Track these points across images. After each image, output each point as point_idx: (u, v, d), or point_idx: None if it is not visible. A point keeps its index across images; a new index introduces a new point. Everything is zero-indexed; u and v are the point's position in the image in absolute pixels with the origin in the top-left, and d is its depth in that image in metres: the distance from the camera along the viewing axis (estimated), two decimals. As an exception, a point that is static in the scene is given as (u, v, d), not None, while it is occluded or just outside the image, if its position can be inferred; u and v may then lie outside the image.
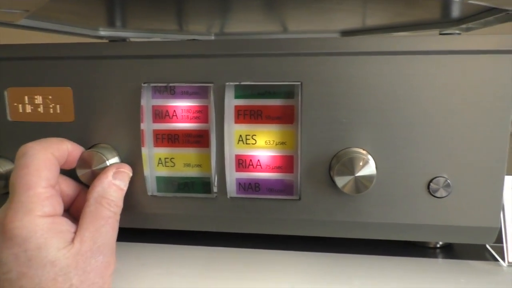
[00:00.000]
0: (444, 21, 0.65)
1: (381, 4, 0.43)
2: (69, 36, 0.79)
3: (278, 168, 0.34)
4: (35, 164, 0.28)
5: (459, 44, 0.31)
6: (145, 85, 0.34)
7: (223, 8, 0.48)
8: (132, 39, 0.88)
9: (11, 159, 0.37)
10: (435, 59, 0.31)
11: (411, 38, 0.31)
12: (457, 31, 0.80)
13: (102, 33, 0.74)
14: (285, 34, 0.86)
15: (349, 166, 0.31)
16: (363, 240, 0.35)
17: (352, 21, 0.68)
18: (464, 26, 0.65)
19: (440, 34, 0.79)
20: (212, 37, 0.87)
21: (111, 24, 0.69)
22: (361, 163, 0.31)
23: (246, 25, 0.72)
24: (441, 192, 0.32)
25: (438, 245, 0.37)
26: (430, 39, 0.31)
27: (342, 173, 0.31)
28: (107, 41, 0.84)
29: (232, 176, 0.35)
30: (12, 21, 0.42)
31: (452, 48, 0.31)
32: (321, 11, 0.54)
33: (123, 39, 0.84)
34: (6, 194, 0.33)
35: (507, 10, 0.45)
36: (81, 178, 0.34)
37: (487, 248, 0.37)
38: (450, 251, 0.37)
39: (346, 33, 0.84)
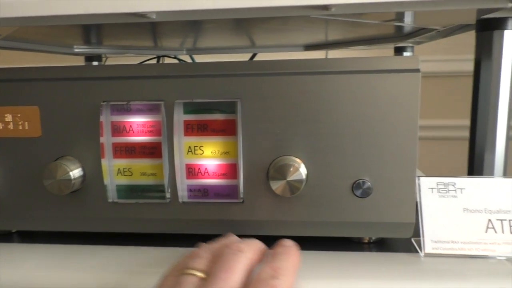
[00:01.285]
0: (397, 36, 0.71)
1: (339, 24, 0.48)
2: (45, 54, 0.83)
3: (223, 175, 0.39)
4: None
5: (373, 64, 0.36)
6: (104, 103, 0.38)
7: (195, 28, 0.52)
8: (108, 56, 0.93)
9: (-16, 171, 0.40)
10: (353, 77, 0.36)
11: (334, 60, 0.36)
12: (410, 44, 0.87)
13: (77, 50, 0.78)
14: (253, 48, 0.92)
15: (282, 172, 0.36)
16: (306, 237, 0.40)
17: (315, 37, 0.73)
18: (413, 40, 0.71)
19: (395, 47, 0.85)
20: (184, 52, 0.92)
21: (86, 41, 0.73)
22: (291, 169, 0.36)
23: (217, 41, 0.77)
24: (363, 193, 0.37)
25: (371, 240, 0.42)
26: (348, 60, 0.36)
27: (275, 178, 0.36)
28: (83, 57, 0.88)
29: (184, 183, 0.39)
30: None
31: (367, 68, 0.36)
32: (286, 29, 0.59)
33: (99, 56, 0.88)
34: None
35: (434, 29, 0.51)
36: (47, 188, 0.38)
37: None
38: (383, 244, 0.42)
39: (309, 46, 0.89)
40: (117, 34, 0.59)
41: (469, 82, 0.44)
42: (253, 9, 0.33)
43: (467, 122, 0.44)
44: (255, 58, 0.90)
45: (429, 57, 1.02)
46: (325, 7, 0.34)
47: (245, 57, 0.91)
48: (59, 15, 0.34)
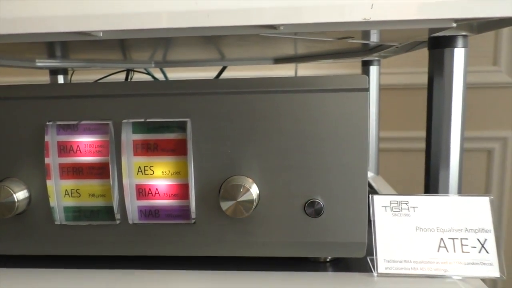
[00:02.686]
0: (361, 51, 0.71)
1: (302, 40, 0.48)
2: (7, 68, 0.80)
3: (174, 196, 0.38)
4: None
5: (322, 83, 0.36)
6: (50, 123, 0.37)
7: (163, 41, 0.51)
8: (74, 69, 0.91)
9: None
10: (303, 97, 0.36)
11: (283, 79, 0.36)
12: (377, 58, 0.87)
13: (40, 64, 0.76)
14: (223, 61, 0.91)
15: (232, 193, 0.35)
16: (262, 257, 0.39)
17: (283, 51, 0.73)
18: (378, 54, 0.72)
19: (362, 60, 0.85)
20: (153, 65, 0.91)
21: (49, 55, 0.71)
22: (242, 190, 0.35)
23: (186, 54, 0.76)
24: (315, 212, 0.36)
25: (327, 259, 0.41)
26: (297, 79, 0.36)
27: (225, 199, 0.35)
28: (47, 70, 0.86)
29: (134, 204, 0.38)
30: None
31: (316, 87, 0.36)
32: (253, 43, 0.58)
33: (64, 69, 0.86)
34: None
35: (393, 45, 0.52)
36: (-12, 210, 0.36)
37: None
38: (339, 264, 0.41)
39: (278, 60, 0.89)
40: (82, 48, 0.58)
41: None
42: (199, 29, 0.33)
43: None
44: (225, 71, 0.90)
45: (396, 69, 1.03)
46: (273, 27, 0.33)
47: (215, 69, 0.91)
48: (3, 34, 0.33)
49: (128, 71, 0.91)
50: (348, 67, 1.01)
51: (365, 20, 0.30)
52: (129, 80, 0.91)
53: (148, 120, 0.37)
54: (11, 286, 0.37)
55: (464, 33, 0.40)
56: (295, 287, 0.36)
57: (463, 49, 0.41)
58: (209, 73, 0.95)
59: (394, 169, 1.04)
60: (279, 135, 0.36)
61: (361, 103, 0.35)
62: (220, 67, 0.90)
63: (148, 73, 0.92)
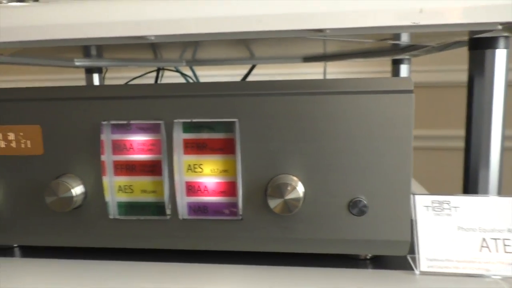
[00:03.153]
0: (393, 50, 0.72)
1: (341, 41, 0.49)
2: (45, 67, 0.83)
3: (222, 193, 0.39)
4: None
5: (368, 85, 0.37)
6: (105, 122, 0.39)
7: (194, 41, 0.53)
8: (109, 68, 0.94)
9: (-13, 189, 0.41)
10: (349, 97, 0.37)
11: (330, 81, 0.37)
12: (407, 56, 0.88)
13: (78, 63, 0.79)
14: (252, 60, 0.93)
15: (279, 191, 0.36)
16: (305, 254, 0.40)
17: (313, 50, 0.74)
18: (410, 53, 0.72)
19: (393, 59, 0.86)
20: (184, 64, 0.93)
21: (86, 55, 0.74)
22: (289, 188, 0.36)
23: (216, 53, 0.78)
24: (359, 211, 0.37)
25: (368, 257, 0.43)
26: (344, 81, 0.37)
27: (273, 197, 0.37)
28: (83, 70, 0.89)
29: (184, 200, 0.40)
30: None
31: (362, 89, 0.37)
32: (285, 43, 0.59)
33: (99, 68, 0.89)
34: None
35: (428, 45, 0.52)
36: (49, 205, 0.39)
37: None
38: (379, 261, 0.42)
39: (308, 58, 0.90)
40: (117, 48, 0.60)
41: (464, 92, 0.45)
42: (251, 33, 0.34)
43: (462, 132, 0.45)
44: (254, 70, 0.91)
45: (426, 67, 1.03)
46: (320, 30, 0.35)
47: (244, 68, 0.92)
48: (59, 39, 0.35)
49: (159, 70, 0.93)
50: (377, 65, 1.01)
51: (414, 24, 0.31)
52: (159, 78, 0.94)
53: (198, 120, 0.38)
54: (65, 277, 0.40)
55: (506, 34, 0.41)
56: (342, 284, 0.37)
57: (505, 50, 0.41)
58: (237, 71, 0.97)
59: (423, 168, 1.04)
60: (324, 136, 0.37)
61: (406, 104, 0.36)
62: (249, 66, 0.92)
63: (178, 71, 0.94)
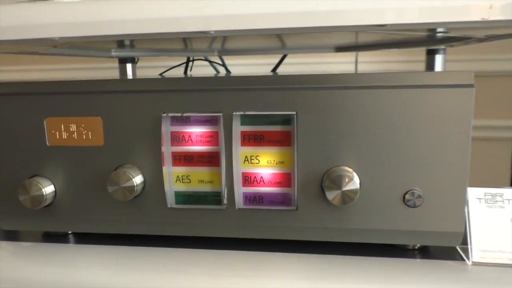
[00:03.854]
0: (430, 40, 0.71)
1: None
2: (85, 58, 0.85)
3: (278, 184, 0.40)
4: None
5: (427, 79, 0.37)
6: (165, 115, 0.40)
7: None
8: (140, 58, 0.95)
9: (50, 178, 0.43)
10: (407, 91, 0.37)
11: (388, 74, 0.38)
12: (443, 46, 0.87)
13: (114, 53, 0.80)
14: (283, 50, 0.93)
15: (337, 182, 0.37)
16: (352, 243, 0.42)
17: (346, 39, 0.74)
18: (447, 44, 0.72)
19: (427, 49, 0.85)
20: (215, 54, 0.93)
21: (121, 46, 0.75)
22: (347, 180, 0.37)
23: (246, 42, 0.78)
24: (414, 203, 0.38)
25: (416, 247, 0.43)
26: (402, 75, 0.37)
27: (331, 188, 0.38)
28: (115, 61, 0.90)
29: (240, 190, 0.41)
30: (40, 53, 0.49)
31: (421, 83, 0.37)
32: (318, 33, 0.60)
33: (132, 58, 0.90)
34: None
35: (471, 37, 0.52)
36: (112, 195, 0.40)
37: (457, 249, 0.43)
38: (427, 252, 0.43)
39: (340, 48, 0.90)
40: (152, 39, 0.61)
41: (502, 81, 0.45)
42: (315, 28, 0.35)
43: (503, 122, 0.45)
44: (286, 59, 0.91)
45: (462, 57, 1.01)
46: (382, 25, 0.35)
47: (274, 57, 0.92)
48: (123, 33, 0.36)
49: (188, 60, 0.94)
50: (409, 54, 1.01)
51: (483, 19, 0.31)
52: (189, 69, 0.95)
53: (256, 113, 0.39)
54: (121, 263, 0.42)
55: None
56: (396, 273, 0.38)
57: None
58: (268, 60, 0.97)
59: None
60: (380, 129, 0.38)
61: (467, 98, 0.36)
62: (280, 55, 0.92)
63: (208, 61, 0.95)
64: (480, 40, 0.58)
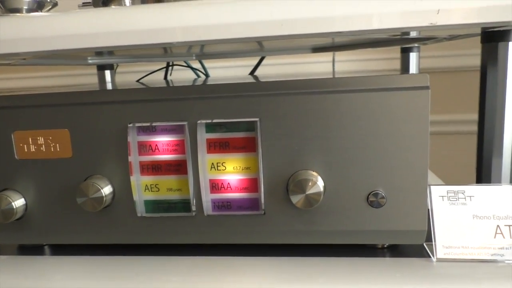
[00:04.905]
0: (403, 39, 0.72)
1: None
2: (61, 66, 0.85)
3: (245, 189, 0.41)
4: None
5: (384, 82, 0.38)
6: (131, 125, 0.41)
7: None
8: (119, 65, 0.95)
9: (20, 191, 0.43)
10: (365, 95, 0.38)
11: (347, 79, 0.38)
12: (416, 45, 0.88)
13: (90, 61, 0.81)
14: (261, 52, 0.93)
15: (301, 186, 0.38)
16: (323, 245, 0.42)
17: (323, 41, 0.75)
18: (420, 42, 0.73)
19: (402, 47, 0.86)
20: (194, 58, 0.94)
21: (98, 54, 0.75)
22: (310, 183, 0.38)
23: (224, 46, 0.79)
24: (378, 203, 0.39)
25: (385, 246, 0.44)
26: (361, 79, 0.38)
27: (295, 192, 0.38)
28: (95, 67, 0.90)
29: (208, 197, 0.42)
30: (12, 64, 0.49)
31: (378, 86, 0.38)
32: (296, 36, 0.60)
33: (111, 65, 0.90)
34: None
35: (439, 37, 0.53)
36: (81, 206, 0.41)
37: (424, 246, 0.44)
38: (395, 250, 0.44)
39: (316, 49, 0.91)
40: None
41: (475, 76, 0.46)
42: (274, 36, 0.36)
43: (474, 116, 0.46)
44: (264, 61, 0.92)
45: (435, 53, 1.03)
46: (340, 33, 0.36)
47: (253, 59, 0.93)
48: (86, 47, 0.36)
49: (168, 65, 0.95)
50: (385, 52, 1.02)
51: (431, 24, 0.32)
52: (169, 73, 0.95)
53: (220, 120, 0.40)
54: (95, 273, 0.42)
55: (518, 27, 0.42)
56: (363, 273, 0.39)
57: (517, 42, 0.42)
58: (246, 62, 0.98)
59: (434, 152, 1.05)
60: (342, 132, 0.39)
61: (423, 100, 0.37)
62: (258, 58, 0.93)
63: (188, 66, 0.95)
64: (447, 39, 0.60)
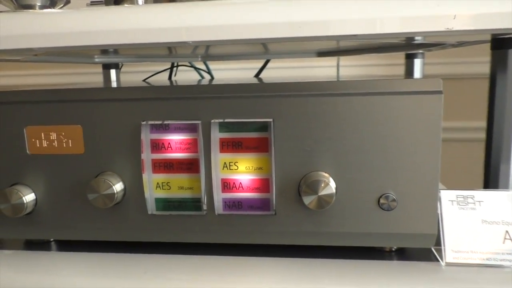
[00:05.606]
0: (408, 45, 0.73)
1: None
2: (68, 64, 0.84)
3: (256, 189, 0.41)
4: None
5: (398, 86, 0.38)
6: (144, 122, 0.41)
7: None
8: (124, 64, 0.95)
9: (31, 187, 0.43)
10: (379, 98, 0.38)
11: (361, 82, 0.39)
12: (421, 51, 0.89)
13: (97, 60, 0.81)
14: (266, 55, 0.94)
15: (313, 187, 0.38)
16: (332, 247, 0.42)
17: (327, 44, 0.75)
18: (425, 49, 0.73)
19: (406, 53, 0.87)
20: (199, 59, 0.94)
21: (104, 52, 0.76)
22: (322, 185, 0.38)
23: (229, 48, 0.79)
24: (389, 206, 0.39)
25: (393, 249, 0.44)
26: (374, 82, 0.39)
27: (307, 193, 0.39)
28: (100, 65, 0.91)
29: (219, 196, 0.42)
30: (22, 60, 0.49)
31: (392, 90, 0.38)
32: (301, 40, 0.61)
33: (116, 64, 0.90)
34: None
35: (445, 43, 0.54)
36: (92, 202, 0.41)
37: (432, 251, 0.44)
38: (403, 253, 0.44)
39: (322, 53, 0.91)
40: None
41: (480, 83, 0.47)
42: (291, 38, 0.36)
43: (476, 123, 0.46)
44: (269, 64, 0.92)
45: (440, 60, 1.04)
46: (354, 36, 0.36)
47: (258, 61, 0.93)
48: (104, 44, 0.37)
49: (173, 65, 0.95)
50: (389, 58, 1.03)
51: (447, 29, 0.32)
52: (173, 74, 0.95)
53: (234, 120, 0.40)
54: (103, 269, 0.42)
55: (529, 35, 0.42)
56: (373, 276, 0.39)
57: (527, 50, 0.43)
58: (251, 64, 0.98)
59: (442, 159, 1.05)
60: (355, 135, 0.39)
61: (436, 105, 0.38)
62: (263, 60, 0.93)
63: (193, 66, 0.95)
64: (454, 45, 0.60)
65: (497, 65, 0.44)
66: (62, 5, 0.52)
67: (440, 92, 0.38)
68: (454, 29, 0.32)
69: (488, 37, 0.46)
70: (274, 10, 0.36)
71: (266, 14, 0.35)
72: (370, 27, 0.35)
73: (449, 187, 0.62)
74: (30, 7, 0.49)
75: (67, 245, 0.47)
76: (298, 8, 0.36)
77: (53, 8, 0.51)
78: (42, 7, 0.49)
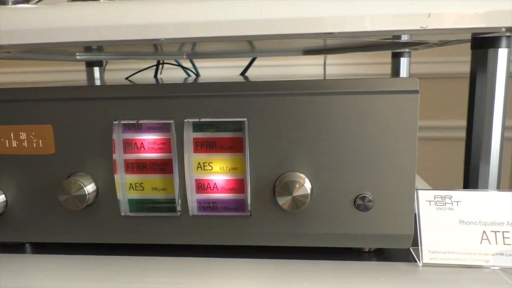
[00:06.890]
0: (394, 44, 0.72)
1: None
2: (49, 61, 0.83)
3: (231, 190, 0.40)
4: None
5: (373, 85, 0.38)
6: (116, 122, 0.40)
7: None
8: (108, 62, 0.94)
9: (1, 188, 0.42)
10: (354, 98, 0.38)
11: (336, 81, 0.38)
12: (407, 50, 0.88)
13: (79, 57, 0.79)
14: (252, 53, 0.93)
15: (288, 188, 0.38)
16: (310, 248, 0.42)
17: (314, 42, 0.74)
18: (411, 47, 0.73)
19: (393, 52, 0.87)
20: (184, 57, 0.93)
21: (87, 50, 0.74)
22: (297, 185, 0.38)
23: (216, 46, 0.78)
24: (365, 206, 0.39)
25: (371, 249, 0.44)
26: (350, 81, 0.38)
27: (282, 194, 0.38)
28: (83, 63, 0.89)
29: (193, 197, 0.41)
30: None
31: (367, 89, 0.38)
32: (287, 38, 0.60)
33: (100, 62, 0.89)
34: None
35: (429, 42, 0.53)
36: (63, 203, 0.40)
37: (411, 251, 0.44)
38: (382, 254, 0.44)
39: (308, 51, 0.91)
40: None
41: (465, 83, 0.46)
42: (264, 36, 0.35)
43: (462, 123, 0.46)
44: (255, 62, 0.91)
45: (427, 59, 1.04)
46: (330, 34, 0.35)
47: (244, 60, 0.93)
48: (74, 41, 0.36)
49: (159, 63, 0.94)
50: (376, 56, 1.02)
51: (422, 28, 0.32)
52: (159, 72, 0.94)
53: (207, 119, 0.39)
54: (76, 272, 0.41)
55: (508, 34, 0.42)
56: (349, 276, 0.39)
57: (506, 49, 0.42)
58: (238, 62, 0.97)
59: (421, 158, 1.05)
60: (330, 135, 0.38)
61: (412, 104, 0.37)
62: (249, 58, 0.92)
63: (178, 64, 0.94)
64: (437, 44, 0.60)
65: (477, 64, 0.44)
66: (37, 0, 0.51)
67: (416, 92, 0.37)
68: (429, 27, 0.32)
69: (469, 36, 0.45)
70: (247, 7, 0.35)
71: (237, 11, 0.34)
72: (346, 25, 0.35)
73: (431, 186, 0.61)
74: (3, 2, 0.47)
75: (40, 248, 0.46)
76: (272, 6, 0.35)
77: (28, 3, 0.50)
78: (16, 2, 0.48)
